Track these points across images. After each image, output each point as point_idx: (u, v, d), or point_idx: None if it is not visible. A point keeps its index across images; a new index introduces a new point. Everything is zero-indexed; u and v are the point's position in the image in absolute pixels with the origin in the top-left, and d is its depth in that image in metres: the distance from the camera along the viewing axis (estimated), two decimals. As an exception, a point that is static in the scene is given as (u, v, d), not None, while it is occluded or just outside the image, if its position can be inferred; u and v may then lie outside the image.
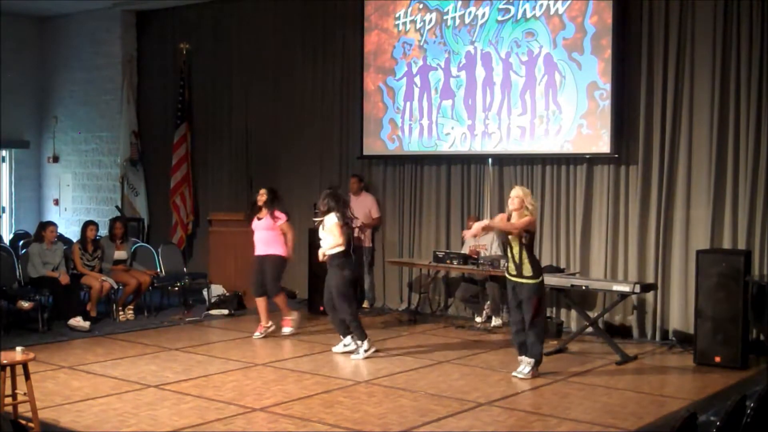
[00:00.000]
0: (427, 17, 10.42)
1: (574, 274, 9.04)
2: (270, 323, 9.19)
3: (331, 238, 8.18)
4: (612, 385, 7.14)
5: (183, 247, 12.58)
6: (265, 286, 9.17)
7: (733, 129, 8.53)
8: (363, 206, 10.83)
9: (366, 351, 8.07)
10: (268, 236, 9.20)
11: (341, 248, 8.19)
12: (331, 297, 8.19)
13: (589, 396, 6.79)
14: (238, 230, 11.11)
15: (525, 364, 7.29)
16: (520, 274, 7.20)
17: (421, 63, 10.49)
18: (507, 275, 7.35)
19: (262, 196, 9.27)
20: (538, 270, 7.23)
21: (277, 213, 9.22)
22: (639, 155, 9.07)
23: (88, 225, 10.21)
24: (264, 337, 9.08)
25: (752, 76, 8.40)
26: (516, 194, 7.22)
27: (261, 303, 9.18)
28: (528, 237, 7.14)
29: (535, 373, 7.28)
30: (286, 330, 9.21)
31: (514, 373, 7.30)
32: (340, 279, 8.13)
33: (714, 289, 7.73)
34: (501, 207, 10.06)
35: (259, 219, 9.27)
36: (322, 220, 8.32)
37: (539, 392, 6.90)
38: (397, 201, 11.00)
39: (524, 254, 7.16)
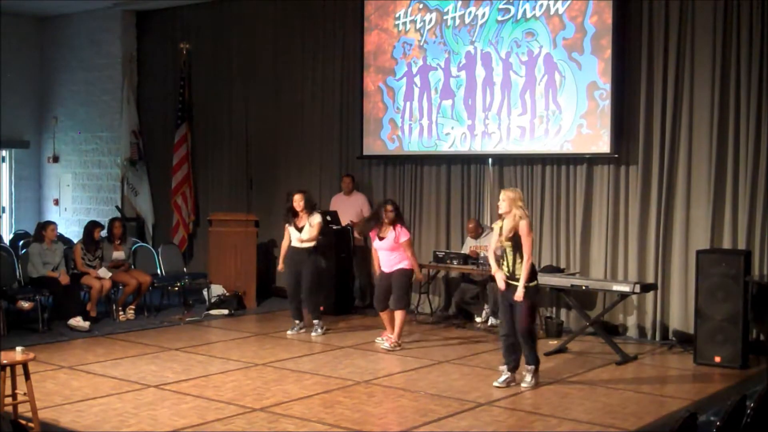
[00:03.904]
0: (427, 17, 10.41)
1: (574, 274, 9.04)
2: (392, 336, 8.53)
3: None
4: (612, 385, 7.14)
5: (185, 247, 12.58)
6: (386, 300, 8.50)
7: (733, 129, 8.53)
8: (354, 205, 10.82)
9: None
10: (390, 256, 8.44)
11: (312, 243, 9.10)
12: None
13: (589, 396, 6.79)
14: (238, 230, 11.15)
15: (526, 373, 7.05)
16: (512, 277, 6.97)
17: (421, 63, 10.49)
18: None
19: (389, 213, 8.38)
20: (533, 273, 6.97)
21: (403, 229, 8.39)
22: (639, 155, 9.07)
23: (95, 227, 10.14)
24: (391, 350, 8.40)
25: (752, 76, 8.39)
26: (504, 197, 6.93)
27: (384, 316, 8.58)
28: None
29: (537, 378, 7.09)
30: (384, 344, 8.51)
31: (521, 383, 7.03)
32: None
33: (714, 289, 7.73)
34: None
35: (381, 238, 8.40)
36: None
37: (539, 392, 6.89)
38: (397, 201, 10.96)
39: (517, 258, 6.92)
